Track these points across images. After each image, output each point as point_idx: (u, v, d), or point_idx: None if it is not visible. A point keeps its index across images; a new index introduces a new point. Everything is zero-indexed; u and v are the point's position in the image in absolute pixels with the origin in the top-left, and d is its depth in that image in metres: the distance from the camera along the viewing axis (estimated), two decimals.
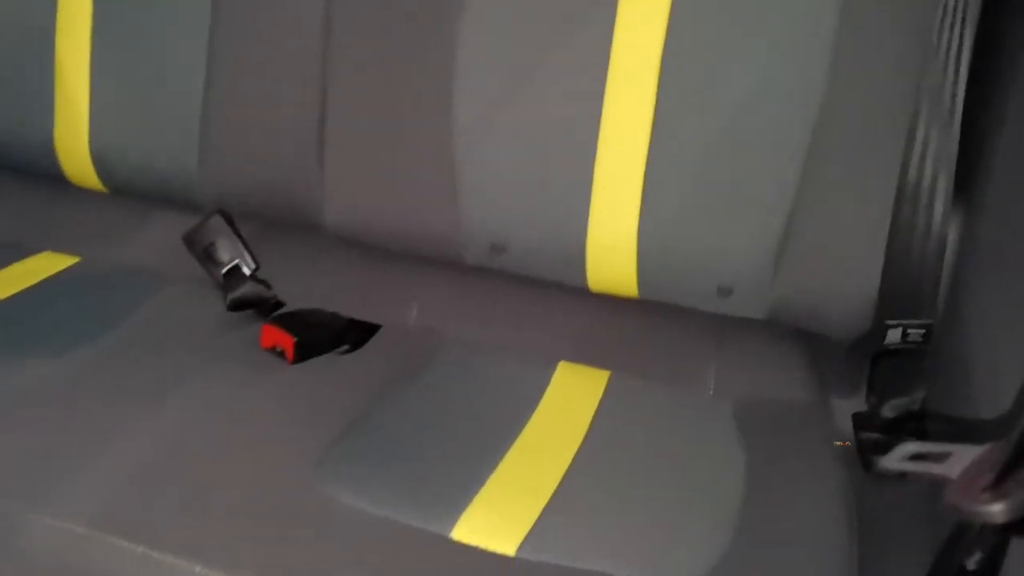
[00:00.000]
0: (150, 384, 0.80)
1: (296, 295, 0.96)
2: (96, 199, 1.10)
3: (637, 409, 0.84)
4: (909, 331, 0.78)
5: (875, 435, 0.77)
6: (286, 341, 0.86)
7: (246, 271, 0.95)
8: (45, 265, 1.01)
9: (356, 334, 0.93)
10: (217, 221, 0.98)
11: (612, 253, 0.89)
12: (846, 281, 0.81)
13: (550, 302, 0.96)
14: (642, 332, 0.94)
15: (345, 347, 0.91)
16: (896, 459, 0.64)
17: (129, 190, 1.08)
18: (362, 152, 0.95)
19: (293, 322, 0.89)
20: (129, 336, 0.88)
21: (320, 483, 0.69)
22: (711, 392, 0.87)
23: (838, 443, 0.73)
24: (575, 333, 0.94)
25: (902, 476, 0.72)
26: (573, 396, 0.85)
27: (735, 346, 0.91)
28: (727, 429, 0.81)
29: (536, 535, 0.65)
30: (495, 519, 0.66)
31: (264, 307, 0.95)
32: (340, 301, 0.96)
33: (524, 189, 0.90)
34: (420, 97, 0.92)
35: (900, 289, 0.80)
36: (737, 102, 0.83)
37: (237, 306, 0.94)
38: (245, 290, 0.94)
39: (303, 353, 0.86)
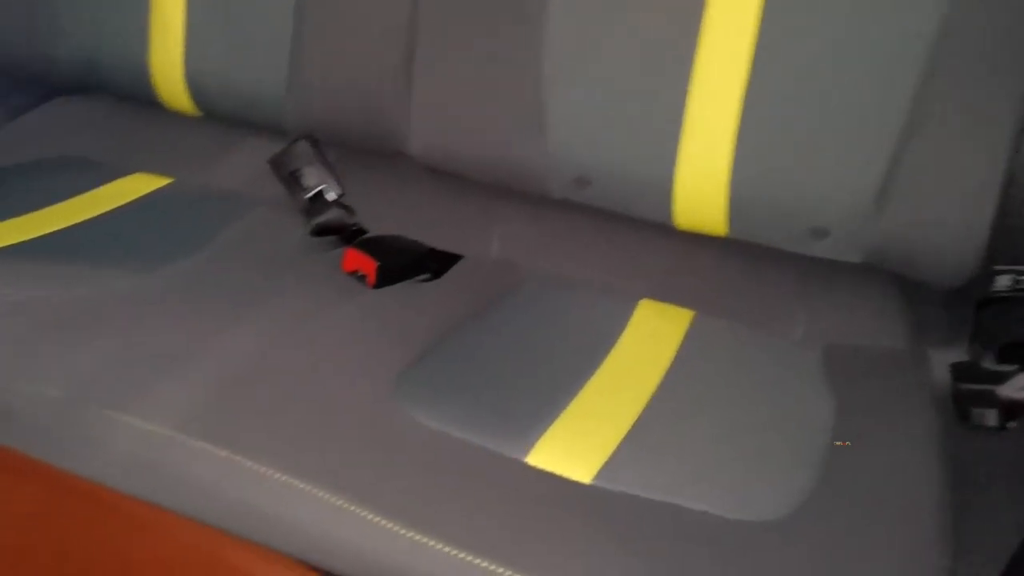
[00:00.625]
0: (237, 300, 0.81)
1: (379, 222, 0.96)
2: (188, 123, 1.12)
3: (720, 349, 0.82)
4: (1021, 278, 0.74)
5: (975, 386, 0.73)
6: (368, 266, 0.86)
7: (330, 197, 0.96)
8: (139, 185, 1.03)
9: (437, 263, 0.92)
10: (303, 146, 0.98)
11: (702, 189, 0.86)
12: (954, 224, 0.76)
13: (634, 238, 0.93)
14: (728, 272, 0.91)
15: (426, 275, 0.91)
16: (1015, 388, 0.61)
17: (220, 114, 1.09)
18: (451, 79, 0.94)
19: (376, 248, 0.89)
20: (217, 255, 0.90)
21: (397, 402, 0.69)
22: (799, 336, 0.84)
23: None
24: (659, 271, 0.92)
25: (1001, 428, 0.69)
26: (654, 333, 0.83)
27: (826, 290, 0.87)
28: (814, 373, 0.78)
29: (613, 465, 0.64)
30: (572, 447, 0.66)
31: (346, 233, 0.95)
32: (423, 230, 0.96)
33: (613, 120, 0.88)
34: (512, 23, 0.90)
35: (1012, 232, 0.76)
36: (843, 31, 0.78)
37: (320, 231, 0.94)
38: (329, 216, 0.95)
39: (385, 278, 0.87)
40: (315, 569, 0.65)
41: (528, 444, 0.65)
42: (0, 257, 0.84)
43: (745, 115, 0.83)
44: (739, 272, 0.91)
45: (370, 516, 0.60)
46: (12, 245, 0.87)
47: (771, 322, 0.86)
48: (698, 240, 0.90)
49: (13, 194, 0.98)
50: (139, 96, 1.11)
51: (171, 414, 0.66)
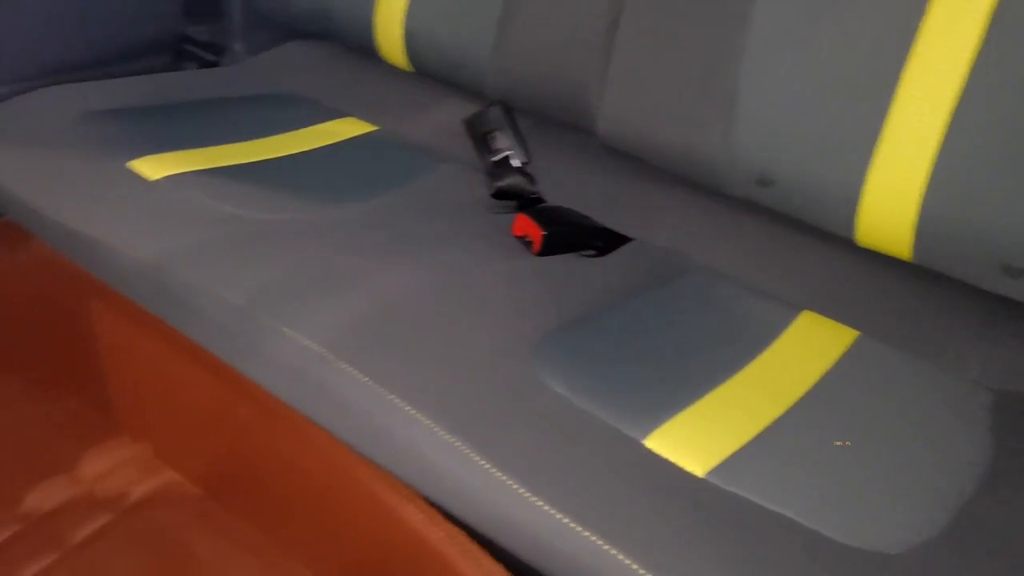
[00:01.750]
0: (409, 242, 0.86)
1: (557, 193, 0.99)
2: (400, 76, 1.19)
3: (879, 376, 0.78)
4: None
5: None
6: (536, 232, 0.89)
7: (515, 163, 0.99)
8: (348, 128, 1.12)
9: (605, 241, 0.94)
10: (497, 111, 1.02)
11: (890, 207, 0.81)
12: None
13: (808, 247, 0.90)
14: (905, 298, 0.86)
15: (591, 252, 0.92)
16: None
17: (429, 72, 1.15)
18: (647, 63, 0.94)
19: (547, 217, 0.92)
20: (402, 200, 0.95)
21: (534, 364, 0.71)
22: (972, 377, 0.79)
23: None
24: (828, 284, 0.88)
25: None
26: (810, 346, 0.80)
27: (1012, 333, 0.81)
28: (980, 418, 0.73)
29: (732, 464, 0.63)
30: (693, 439, 0.65)
31: (524, 199, 0.98)
32: (597, 207, 0.97)
33: (807, 121, 0.85)
34: (715, 15, 0.89)
35: None
36: None
37: (501, 194, 0.98)
38: (510, 180, 0.98)
39: (549, 247, 0.89)
40: (432, 505, 0.69)
41: (649, 428, 0.66)
42: (218, 175, 0.94)
43: (950, 134, 0.77)
44: (916, 299, 0.85)
45: (486, 465, 0.63)
46: (229, 166, 0.97)
47: (943, 357, 0.81)
48: (876, 259, 0.86)
49: (239, 122, 1.08)
50: (362, 47, 1.19)
51: (326, 334, 0.71)
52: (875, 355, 0.80)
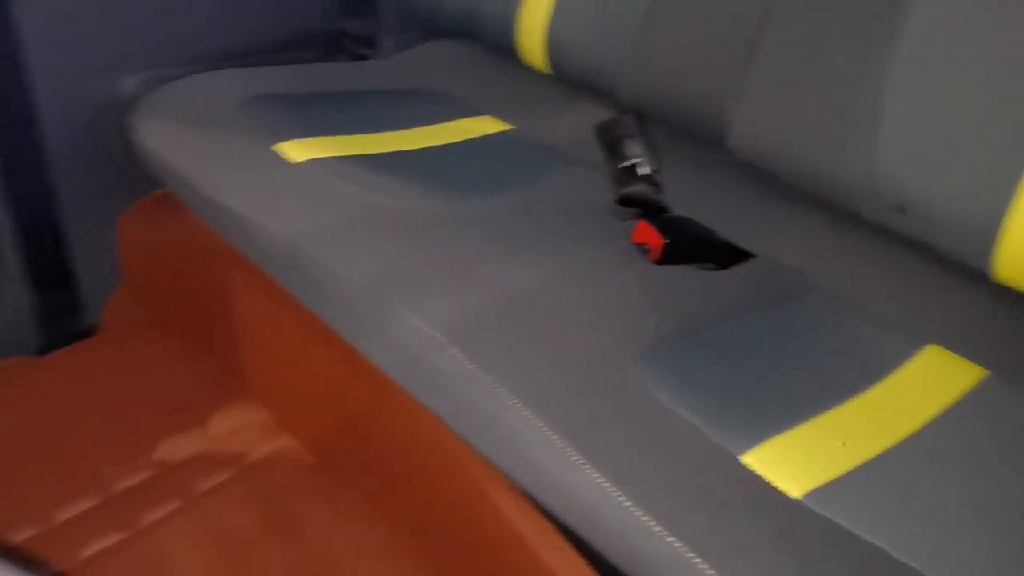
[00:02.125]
0: (529, 240, 0.88)
1: (683, 204, 0.98)
2: (538, 78, 1.22)
3: (1002, 418, 0.74)
4: None
5: None
6: (656, 240, 0.89)
7: (642, 171, 0.99)
8: (485, 126, 1.15)
9: (726, 256, 0.93)
10: (629, 119, 1.03)
11: None
12: None
13: (939, 278, 0.87)
14: None
15: (711, 265, 0.91)
16: None
17: (567, 75, 1.17)
18: (788, 81, 0.93)
19: (668, 226, 0.91)
20: (528, 199, 0.98)
21: (639, 368, 0.72)
22: None
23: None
24: (958, 320, 0.84)
25: None
26: (932, 380, 0.77)
27: None
28: None
29: (830, 490, 0.62)
30: (793, 460, 0.64)
31: (648, 207, 0.98)
32: (723, 221, 0.96)
33: (950, 151, 0.82)
34: (863, 35, 0.87)
35: None
36: None
37: (625, 201, 0.99)
38: (636, 188, 0.99)
39: (668, 256, 0.89)
40: (526, 496, 0.71)
41: (748, 444, 0.65)
42: (356, 162, 0.99)
43: None
44: None
45: (581, 462, 0.64)
46: (368, 154, 1.02)
47: None
48: (1013, 297, 0.81)
49: (381, 113, 1.14)
50: (504, 47, 1.22)
51: (442, 320, 0.74)
52: (1001, 396, 0.76)
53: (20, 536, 0.89)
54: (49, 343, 1.15)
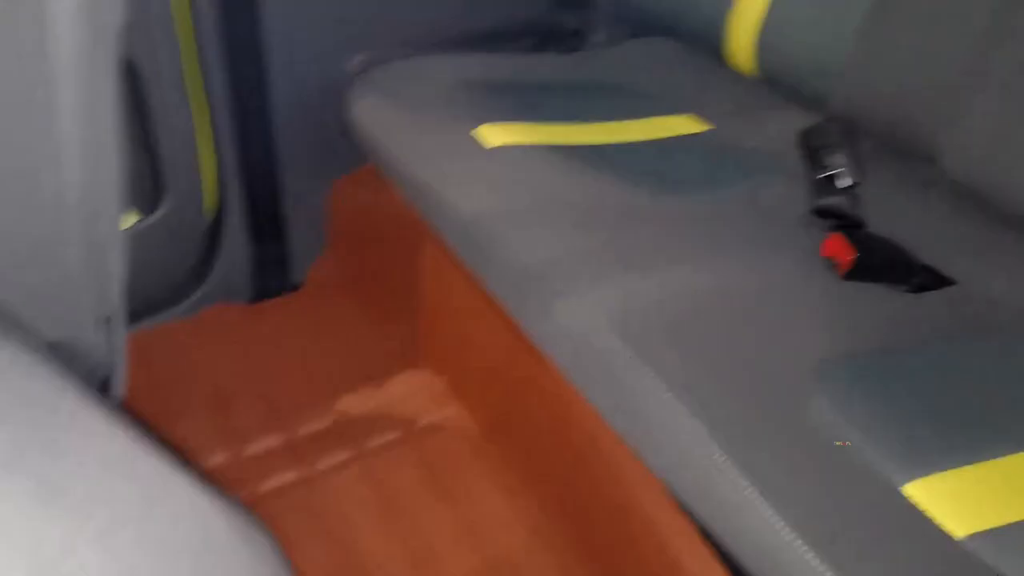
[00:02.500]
0: (714, 243, 0.87)
1: (882, 221, 0.93)
2: (742, 80, 1.19)
3: None
4: None
5: None
6: (846, 255, 0.85)
7: (843, 183, 0.95)
8: (685, 125, 1.14)
9: (921, 279, 0.87)
10: (835, 128, 0.98)
11: None
12: None
13: None
14: None
15: (903, 287, 0.86)
16: None
17: (775, 79, 1.13)
18: (1008, 103, 0.86)
19: (861, 242, 0.87)
20: (720, 202, 0.96)
21: (809, 384, 0.69)
22: None
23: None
24: None
25: None
26: None
27: None
28: None
29: (998, 535, 0.57)
30: (960, 498, 0.60)
31: (844, 221, 0.94)
32: (923, 243, 0.90)
33: None
34: None
35: None
36: None
37: (821, 212, 0.95)
38: (833, 200, 0.94)
39: (857, 272, 0.84)
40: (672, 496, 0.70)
41: (912, 475, 0.61)
42: (550, 150, 1.01)
43: None
44: None
45: (734, 469, 0.62)
46: (563, 144, 1.04)
47: None
48: None
49: (582, 105, 1.15)
50: (711, 48, 1.20)
51: (613, 310, 0.75)
52: None
53: (212, 462, 0.98)
54: (259, 294, 1.26)
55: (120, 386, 0.72)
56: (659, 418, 0.68)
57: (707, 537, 0.68)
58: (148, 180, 1.10)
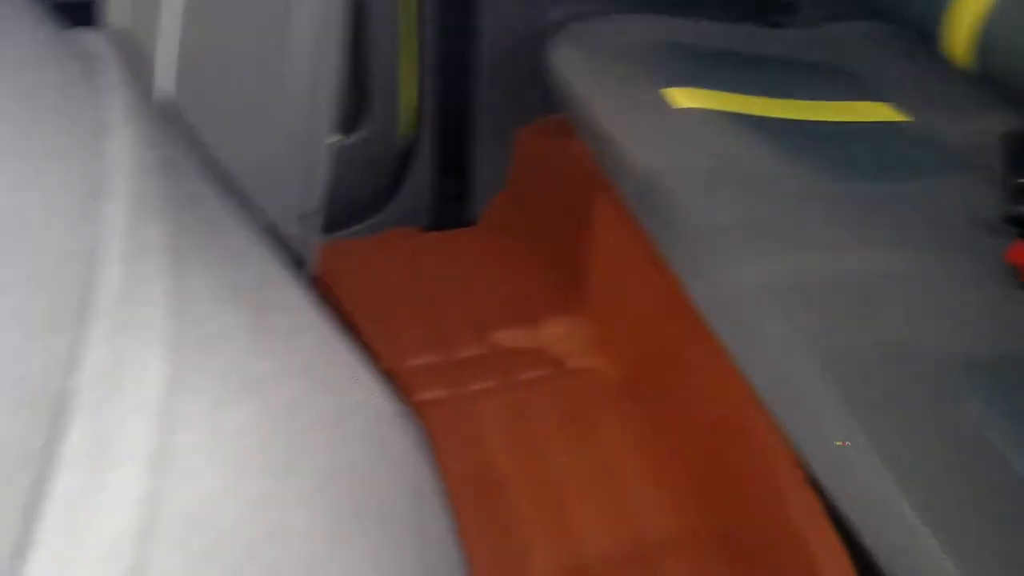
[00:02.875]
0: (886, 233, 0.86)
1: None
2: (953, 72, 1.13)
3: None
4: None
5: None
6: None
7: None
8: (880, 112, 1.11)
9: None
10: None
11: None
12: None
13: None
14: None
15: None
16: None
17: (992, 74, 1.08)
18: None
19: None
20: (901, 196, 0.93)
21: (965, 389, 0.68)
22: None
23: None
24: None
25: None
26: None
27: None
28: None
29: None
30: None
31: None
32: None
33: None
34: None
35: None
36: None
37: (1014, 220, 0.91)
38: None
39: None
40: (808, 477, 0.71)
41: None
42: (736, 119, 1.01)
43: None
44: None
45: (877, 459, 0.62)
46: (750, 114, 1.04)
47: None
48: None
49: (777, 80, 1.14)
50: (925, 34, 1.15)
51: (772, 280, 0.76)
52: None
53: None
54: (436, 224, 1.34)
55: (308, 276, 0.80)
56: (805, 393, 0.69)
57: (841, 530, 0.68)
58: (351, 103, 1.19)
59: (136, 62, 0.40)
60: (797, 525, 0.74)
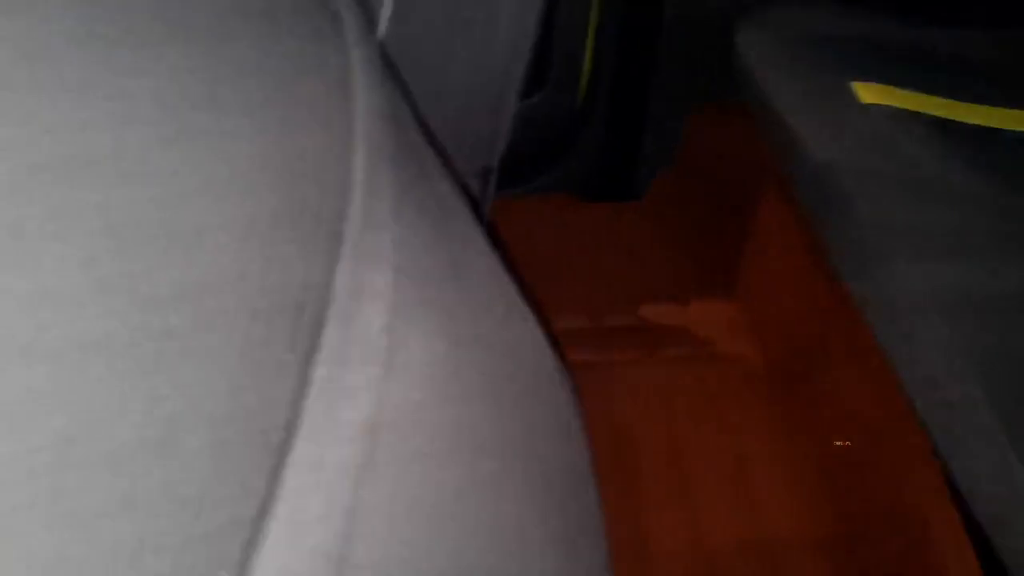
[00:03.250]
0: None
1: None
2: None
3: None
4: None
5: None
6: None
7: None
8: None
9: None
10: None
11: None
12: None
13: None
14: None
15: None
16: None
17: None
18: None
19: None
20: None
21: None
22: None
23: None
24: None
25: None
26: None
27: None
28: None
29: None
30: None
31: None
32: None
33: None
34: None
35: None
36: None
37: None
38: None
39: None
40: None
41: None
42: (929, 122, 0.98)
43: None
44: None
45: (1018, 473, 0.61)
46: (945, 118, 1.00)
47: None
48: None
49: (988, 85, 1.08)
50: None
51: (942, 290, 0.74)
52: None
53: None
54: (600, 194, 1.35)
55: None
56: (957, 403, 0.67)
57: (979, 547, 0.67)
58: (533, 66, 1.22)
59: (367, 17, 0.44)
60: (933, 539, 0.73)
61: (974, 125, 1.00)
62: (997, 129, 1.00)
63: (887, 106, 0.98)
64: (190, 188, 0.26)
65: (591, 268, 1.22)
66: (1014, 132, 1.00)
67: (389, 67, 0.62)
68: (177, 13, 0.30)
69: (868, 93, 1.00)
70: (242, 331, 0.24)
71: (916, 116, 0.98)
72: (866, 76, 1.02)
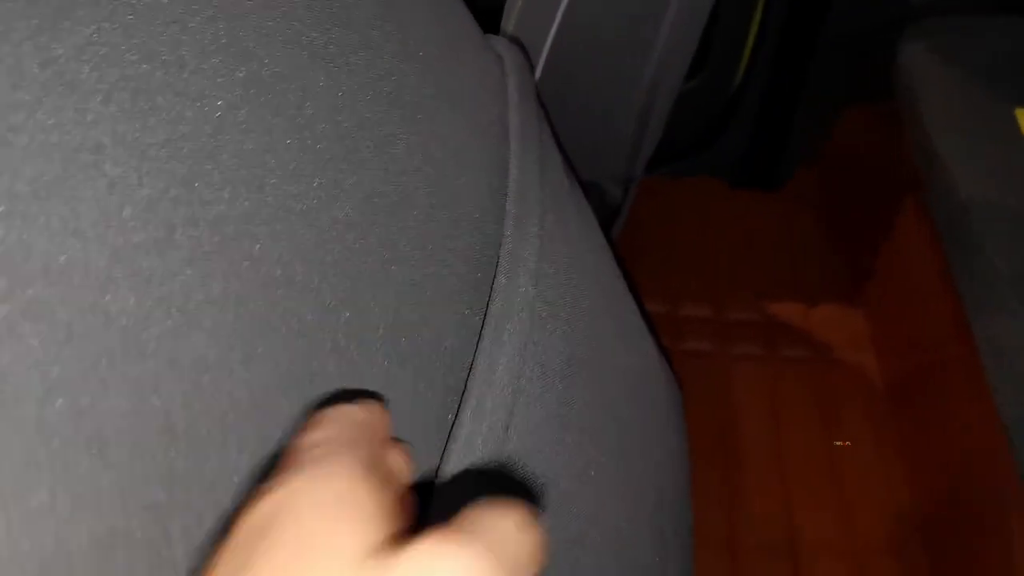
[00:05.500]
0: None
1: None
2: None
3: None
4: None
5: None
6: None
7: None
8: None
9: None
10: None
11: None
12: None
13: None
14: None
15: None
16: None
17: None
18: None
19: None
20: None
21: None
22: None
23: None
24: None
25: None
26: None
27: None
28: None
29: None
30: None
31: None
32: None
33: None
34: None
35: None
36: None
37: None
38: None
39: None
40: None
41: None
42: None
43: None
44: None
45: None
46: None
47: None
48: None
49: None
50: None
51: None
52: None
53: (648, 307, 1.16)
54: (741, 182, 1.37)
55: (615, 233, 0.90)
56: None
57: None
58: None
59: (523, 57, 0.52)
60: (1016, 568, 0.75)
61: None
62: None
63: None
64: (411, 167, 0.35)
65: (721, 256, 1.25)
66: None
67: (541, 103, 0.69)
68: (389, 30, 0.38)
69: None
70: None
71: None
72: None
